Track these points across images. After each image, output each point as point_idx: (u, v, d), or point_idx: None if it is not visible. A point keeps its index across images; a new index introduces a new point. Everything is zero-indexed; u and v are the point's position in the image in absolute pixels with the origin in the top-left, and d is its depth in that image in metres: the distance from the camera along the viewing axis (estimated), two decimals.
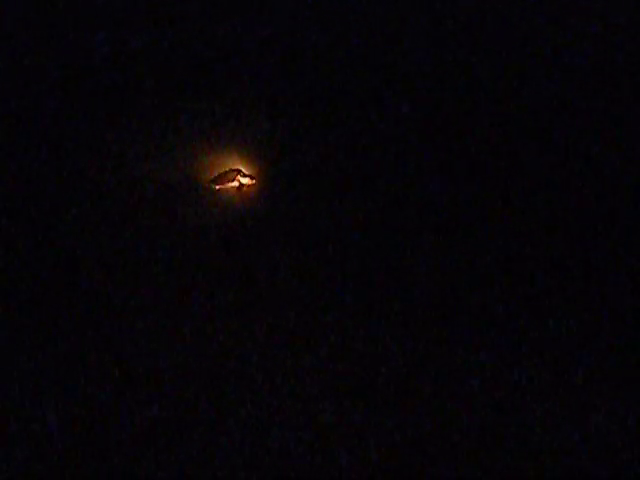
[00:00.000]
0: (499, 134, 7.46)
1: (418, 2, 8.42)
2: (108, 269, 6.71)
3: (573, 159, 7.34)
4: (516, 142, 7.40)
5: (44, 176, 7.26)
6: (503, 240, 6.83)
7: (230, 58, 7.99)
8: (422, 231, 6.89)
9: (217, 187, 7.16)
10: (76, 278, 6.67)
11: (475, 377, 6.12)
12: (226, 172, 7.22)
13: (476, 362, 6.19)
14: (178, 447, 5.80)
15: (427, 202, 7.07)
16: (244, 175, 7.20)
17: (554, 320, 6.41)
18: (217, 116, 7.60)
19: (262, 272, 6.71)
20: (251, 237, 6.91)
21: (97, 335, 6.34)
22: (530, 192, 7.13)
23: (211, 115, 7.61)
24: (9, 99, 7.83)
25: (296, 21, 8.28)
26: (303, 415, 5.94)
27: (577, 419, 5.91)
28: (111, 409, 5.96)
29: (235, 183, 7.18)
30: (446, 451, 5.78)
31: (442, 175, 7.20)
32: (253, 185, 7.20)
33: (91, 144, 7.48)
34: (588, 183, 7.19)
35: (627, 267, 6.69)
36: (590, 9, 8.41)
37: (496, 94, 7.73)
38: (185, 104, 7.66)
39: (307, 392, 6.06)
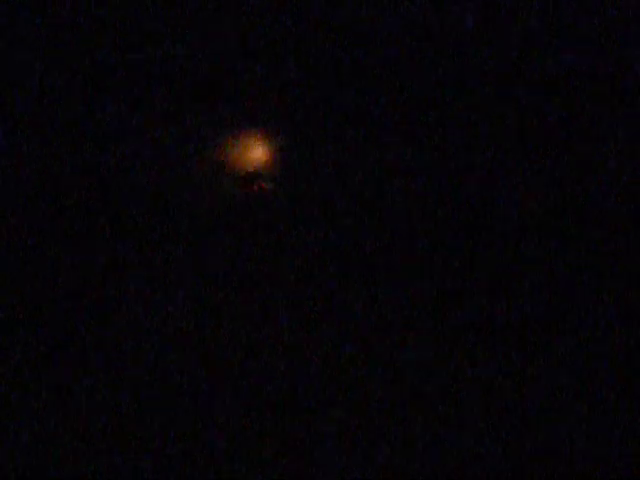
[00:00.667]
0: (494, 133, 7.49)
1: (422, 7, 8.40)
2: (124, 269, 6.87)
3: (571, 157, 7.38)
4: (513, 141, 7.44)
5: (60, 177, 7.38)
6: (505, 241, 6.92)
7: (248, 63, 8.03)
8: (432, 239, 6.99)
9: (239, 190, 7.29)
10: (91, 280, 6.82)
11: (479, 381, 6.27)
12: (247, 175, 7.35)
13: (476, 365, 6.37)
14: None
15: (439, 213, 7.17)
16: (264, 178, 7.33)
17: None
18: (237, 121, 7.67)
19: (278, 273, 6.85)
20: (270, 238, 7.05)
21: (104, 335, 6.53)
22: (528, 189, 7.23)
23: (231, 120, 7.68)
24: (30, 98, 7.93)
25: (309, 25, 8.28)
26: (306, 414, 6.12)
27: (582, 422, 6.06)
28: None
29: (255, 186, 7.31)
30: (447, 452, 5.94)
31: (449, 186, 7.27)
32: (273, 188, 7.32)
33: (112, 147, 7.57)
34: (585, 183, 7.24)
35: (629, 268, 6.77)
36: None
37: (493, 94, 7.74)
38: (205, 109, 7.72)
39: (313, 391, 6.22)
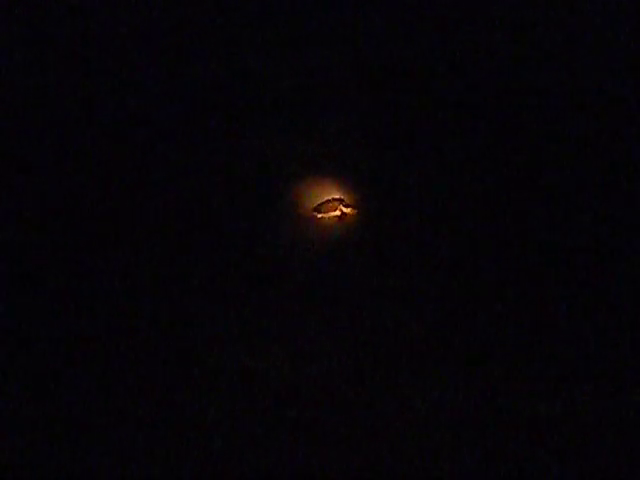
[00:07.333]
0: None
1: None
2: (202, 293, 6.91)
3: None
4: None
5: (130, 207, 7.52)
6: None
7: (326, 88, 8.08)
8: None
9: (319, 216, 7.31)
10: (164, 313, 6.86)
11: None
12: (328, 201, 7.36)
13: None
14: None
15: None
16: (346, 205, 7.33)
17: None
18: (318, 146, 7.72)
19: (360, 300, 6.82)
20: (351, 265, 7.04)
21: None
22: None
23: (312, 145, 7.74)
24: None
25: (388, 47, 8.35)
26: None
27: None
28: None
29: (337, 212, 7.32)
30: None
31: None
32: (354, 215, 7.32)
33: (187, 175, 7.70)
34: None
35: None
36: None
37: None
38: (287, 134, 7.80)
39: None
